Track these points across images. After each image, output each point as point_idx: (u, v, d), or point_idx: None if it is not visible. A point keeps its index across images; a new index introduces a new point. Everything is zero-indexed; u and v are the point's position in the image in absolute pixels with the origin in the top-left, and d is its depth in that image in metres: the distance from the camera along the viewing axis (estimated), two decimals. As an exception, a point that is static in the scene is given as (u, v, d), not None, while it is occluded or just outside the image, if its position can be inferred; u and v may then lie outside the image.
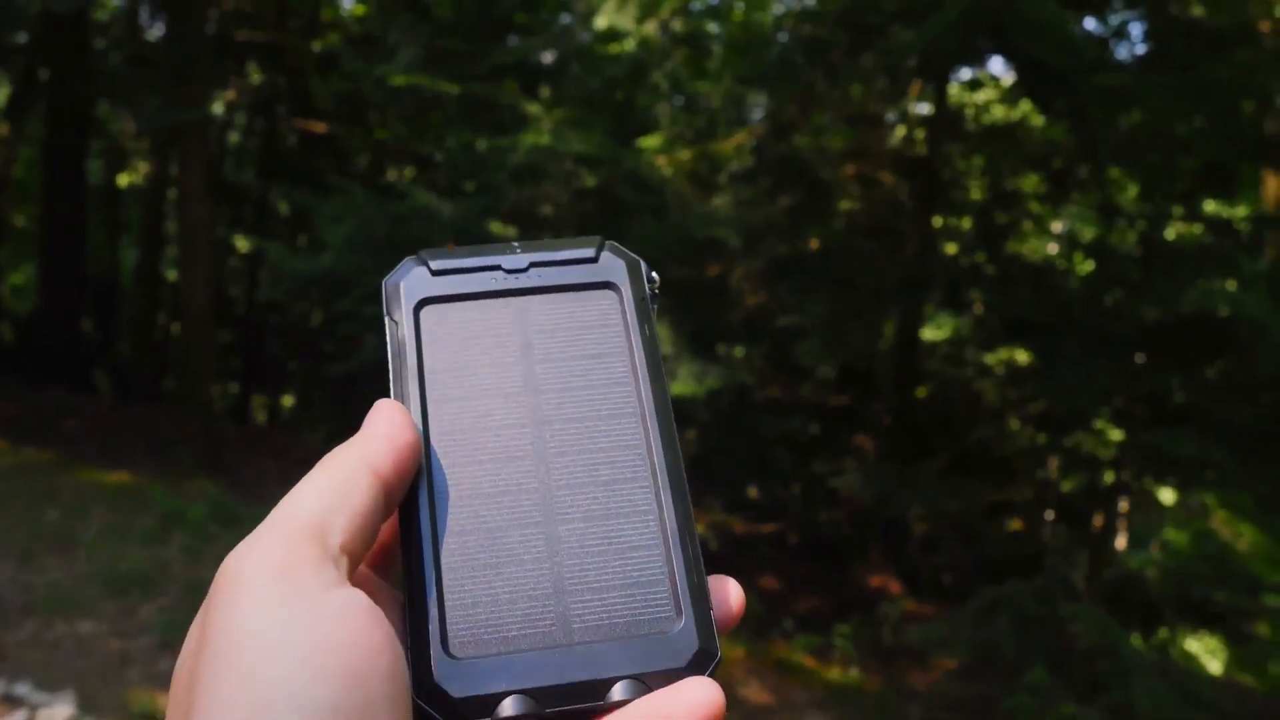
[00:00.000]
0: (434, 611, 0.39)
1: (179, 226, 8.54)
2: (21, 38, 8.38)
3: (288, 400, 11.66)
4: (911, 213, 6.61)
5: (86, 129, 8.81)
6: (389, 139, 8.92)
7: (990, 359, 7.76)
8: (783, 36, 6.27)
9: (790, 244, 6.28)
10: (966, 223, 7.53)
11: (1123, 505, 7.90)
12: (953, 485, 5.72)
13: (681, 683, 0.37)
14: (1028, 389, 6.83)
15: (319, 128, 8.54)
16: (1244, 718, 4.25)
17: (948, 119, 6.84)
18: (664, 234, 5.13)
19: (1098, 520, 7.60)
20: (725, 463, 6.73)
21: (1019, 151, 7.03)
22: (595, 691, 0.38)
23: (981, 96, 7.67)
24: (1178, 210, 6.08)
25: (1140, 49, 7.00)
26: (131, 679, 3.45)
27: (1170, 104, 4.61)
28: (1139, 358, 5.33)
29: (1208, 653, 5.70)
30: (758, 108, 7.14)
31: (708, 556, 0.41)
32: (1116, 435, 6.36)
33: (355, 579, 0.37)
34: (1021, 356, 7.26)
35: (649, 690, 0.38)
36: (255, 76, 9.69)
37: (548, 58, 6.48)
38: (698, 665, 0.38)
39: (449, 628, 0.38)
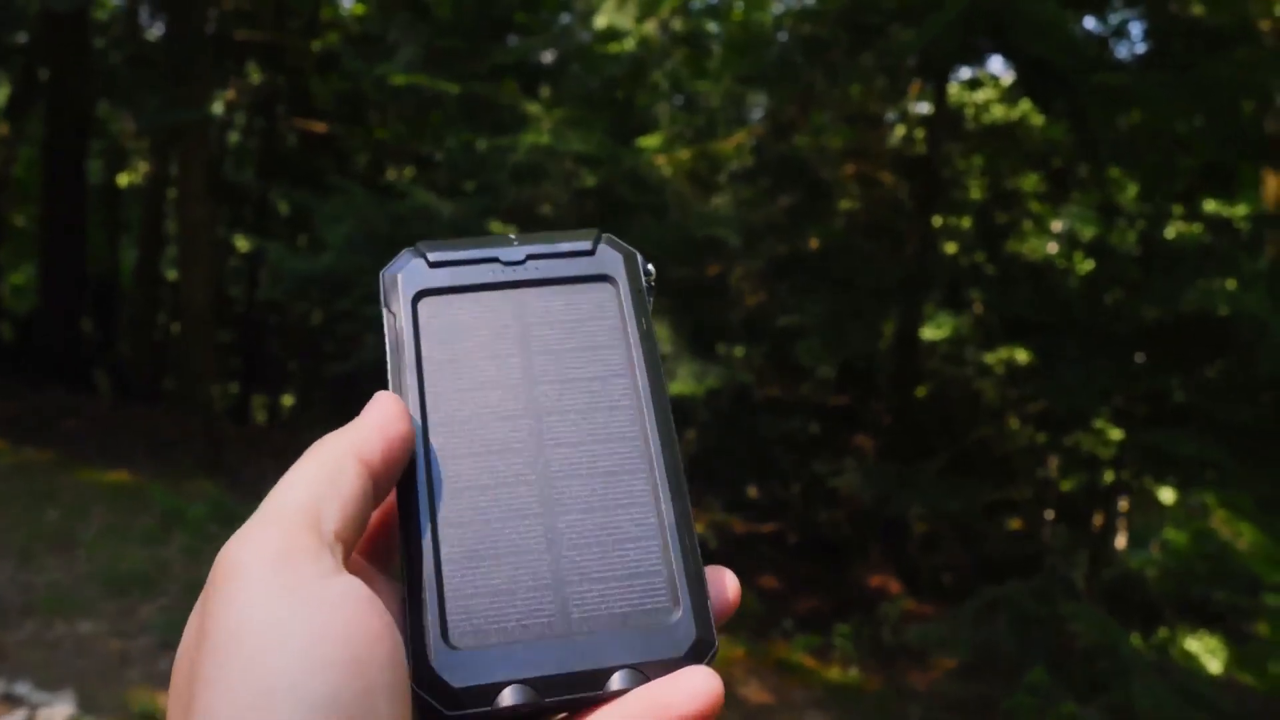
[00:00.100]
0: (433, 601, 0.39)
1: (179, 226, 8.54)
2: (21, 37, 8.39)
3: (288, 400, 11.67)
4: (911, 212, 6.60)
5: (86, 129, 8.82)
6: (389, 139, 8.92)
7: (990, 359, 7.75)
8: (782, 36, 6.27)
9: (790, 244, 6.27)
10: (966, 222, 7.52)
11: (1123, 505, 7.90)
12: (953, 485, 5.71)
13: (680, 672, 0.37)
14: (1027, 389, 6.83)
15: (319, 127, 8.55)
16: (1244, 717, 4.25)
17: (947, 118, 6.83)
18: (664, 233, 5.13)
19: (1098, 520, 7.59)
20: (725, 462, 6.73)
21: (1019, 151, 7.02)
22: (594, 681, 0.38)
23: (981, 96, 7.66)
24: (1177, 210, 6.07)
25: (1140, 48, 7.01)
26: (131, 679, 3.45)
27: (1170, 103, 4.61)
28: (1139, 357, 5.32)
29: (1208, 652, 5.70)
30: (757, 107, 7.14)
31: (707, 555, 0.42)
32: (1116, 435, 6.36)
33: (350, 566, 0.37)
34: (1021, 356, 7.25)
35: (647, 679, 0.38)
36: (255, 76, 9.70)
37: (547, 57, 6.48)
38: (696, 654, 0.39)
39: (448, 618, 0.38)
